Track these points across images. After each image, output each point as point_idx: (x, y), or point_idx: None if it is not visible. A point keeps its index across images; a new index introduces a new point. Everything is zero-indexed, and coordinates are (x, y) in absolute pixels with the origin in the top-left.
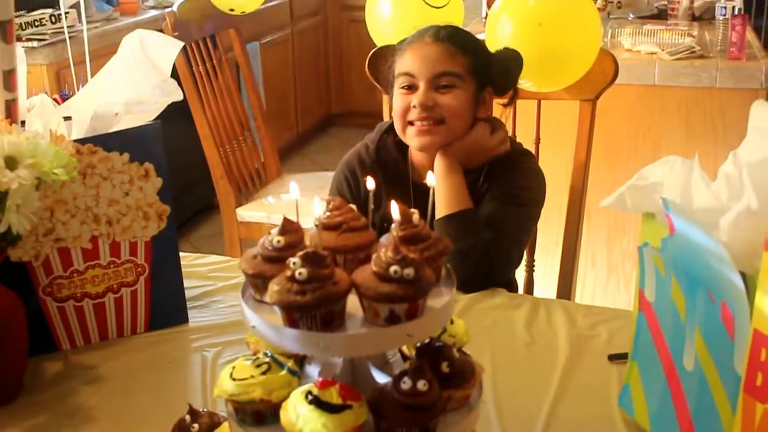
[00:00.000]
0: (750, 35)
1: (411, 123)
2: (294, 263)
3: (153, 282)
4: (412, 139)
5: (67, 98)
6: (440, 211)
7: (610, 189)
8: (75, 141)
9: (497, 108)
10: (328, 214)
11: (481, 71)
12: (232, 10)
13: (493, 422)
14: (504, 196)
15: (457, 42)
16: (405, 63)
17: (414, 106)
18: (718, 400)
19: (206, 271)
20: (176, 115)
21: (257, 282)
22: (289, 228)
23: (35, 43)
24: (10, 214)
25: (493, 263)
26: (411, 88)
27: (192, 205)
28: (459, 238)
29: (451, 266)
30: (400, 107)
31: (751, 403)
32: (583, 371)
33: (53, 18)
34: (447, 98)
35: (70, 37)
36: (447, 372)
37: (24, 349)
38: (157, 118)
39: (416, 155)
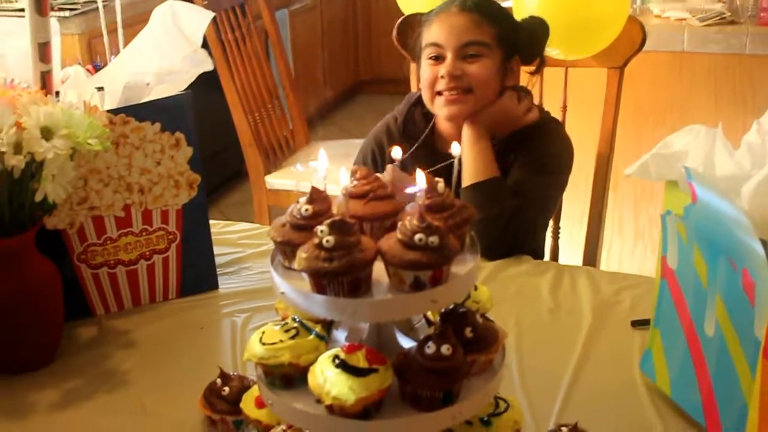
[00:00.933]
0: None
1: (439, 93)
2: (322, 231)
3: (184, 249)
4: (440, 108)
5: (100, 69)
6: (467, 179)
7: (636, 156)
8: (108, 111)
9: (524, 76)
10: (355, 182)
11: (508, 40)
12: None
13: (516, 386)
14: (531, 164)
15: (483, 11)
16: (432, 33)
17: (442, 77)
18: (738, 365)
19: (236, 239)
20: (204, 83)
21: (286, 249)
22: (317, 197)
23: (67, 13)
24: (46, 183)
25: (518, 231)
26: (438, 58)
27: (221, 172)
28: (485, 206)
29: (476, 233)
30: (428, 77)
31: None
32: (606, 337)
33: None
34: (474, 67)
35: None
36: (470, 337)
37: (60, 314)
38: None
39: (443, 126)
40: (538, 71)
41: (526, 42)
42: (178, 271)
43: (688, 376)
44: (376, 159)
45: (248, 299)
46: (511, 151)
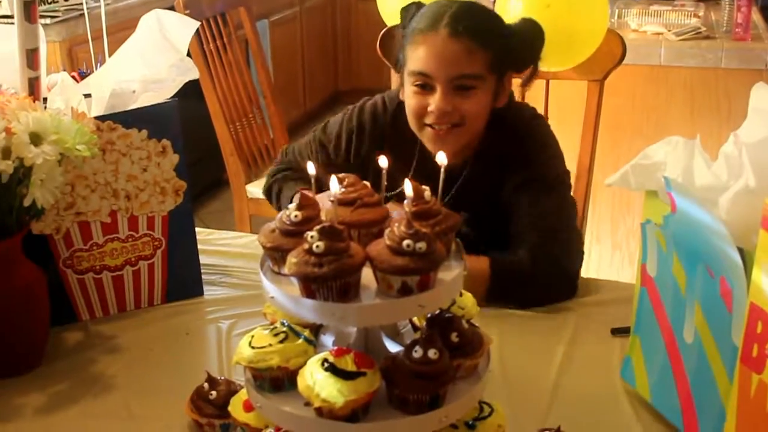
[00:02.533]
0: (756, 16)
1: (427, 125)
2: (312, 236)
3: (169, 255)
4: (428, 142)
5: (86, 76)
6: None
7: (615, 168)
8: (95, 118)
9: (515, 89)
10: (343, 190)
11: (502, 61)
12: None
13: (500, 391)
14: (532, 183)
15: (476, 36)
16: (419, 60)
17: (431, 111)
18: (716, 371)
19: (220, 246)
20: (183, 91)
21: (275, 255)
22: (306, 203)
23: (48, 20)
24: (35, 188)
25: (557, 262)
26: (426, 87)
27: (200, 181)
28: (508, 288)
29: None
30: (415, 107)
31: (747, 374)
32: (587, 344)
33: None
34: (467, 103)
35: (81, 15)
36: (456, 342)
37: (46, 319)
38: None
39: None
40: (530, 82)
41: (519, 52)
42: (163, 277)
43: (667, 381)
44: (351, 142)
45: (233, 305)
46: (497, 161)
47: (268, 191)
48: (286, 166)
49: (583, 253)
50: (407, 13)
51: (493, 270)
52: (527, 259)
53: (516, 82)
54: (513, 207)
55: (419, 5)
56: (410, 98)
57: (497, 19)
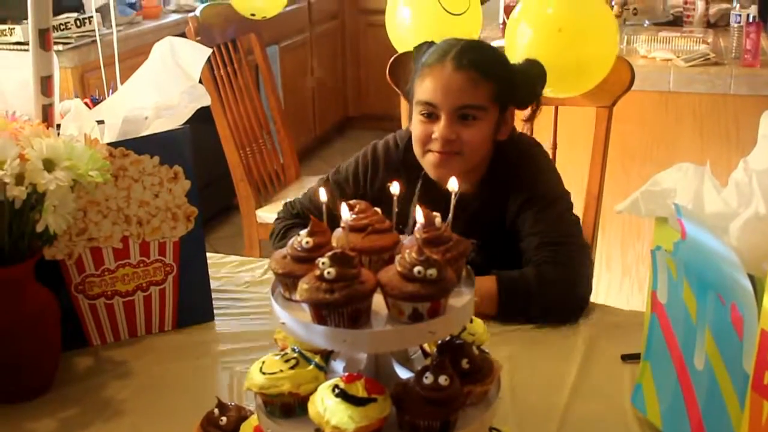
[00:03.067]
0: (764, 42)
1: (429, 151)
2: (323, 263)
3: (180, 281)
4: (429, 167)
5: (98, 102)
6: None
7: (624, 194)
8: (108, 144)
9: (518, 123)
10: (354, 216)
11: (504, 95)
12: (253, 14)
13: (509, 418)
14: (532, 202)
15: (480, 68)
16: (426, 90)
17: (435, 138)
18: (727, 398)
19: (231, 271)
20: (195, 117)
21: (287, 281)
22: (317, 230)
23: (60, 47)
24: (48, 214)
25: (565, 274)
26: (431, 116)
27: (210, 206)
28: (523, 299)
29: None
30: (420, 134)
31: (759, 401)
32: (598, 370)
33: (78, 22)
34: (469, 133)
35: (93, 41)
36: (467, 368)
37: (57, 344)
38: None
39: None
40: (533, 118)
41: (522, 89)
42: (174, 302)
43: (678, 409)
44: (367, 176)
45: (244, 331)
46: (501, 188)
47: (277, 239)
48: (294, 218)
49: (592, 264)
50: (419, 50)
51: (501, 287)
52: (533, 273)
53: (519, 116)
54: (518, 227)
55: (430, 44)
56: (416, 126)
57: (502, 56)
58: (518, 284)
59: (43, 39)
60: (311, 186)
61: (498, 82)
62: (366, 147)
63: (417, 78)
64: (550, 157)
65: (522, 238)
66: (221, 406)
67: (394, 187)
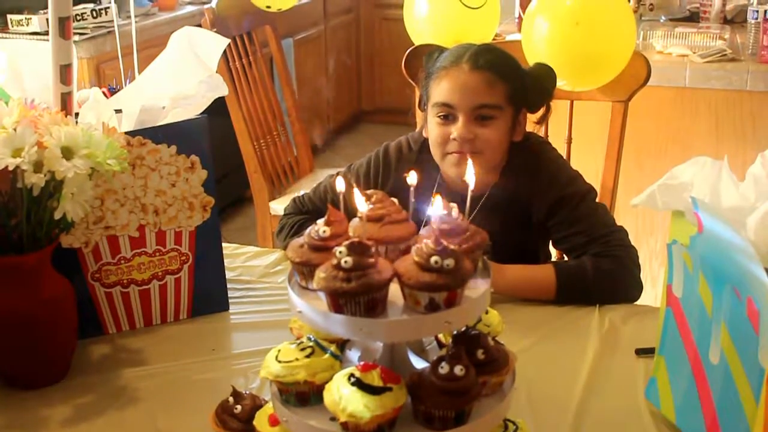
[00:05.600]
0: None
1: (448, 153)
2: (340, 252)
3: (196, 270)
4: (450, 168)
5: (115, 92)
6: (550, 294)
7: (639, 189)
8: (126, 133)
9: (530, 125)
10: (370, 206)
11: (518, 96)
12: (268, 7)
13: (524, 409)
14: (563, 203)
15: (495, 69)
16: (442, 92)
17: (453, 139)
18: (743, 392)
19: (246, 261)
20: (210, 109)
21: (304, 269)
22: (335, 219)
23: (76, 37)
24: (66, 201)
25: (622, 261)
26: (448, 117)
27: (224, 198)
28: (584, 287)
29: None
30: (438, 136)
31: None
32: (612, 364)
33: (94, 13)
34: (487, 132)
35: (109, 32)
36: (482, 359)
37: (73, 331)
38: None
39: (452, 174)
40: (544, 121)
41: (533, 92)
42: (189, 291)
43: (692, 403)
44: (378, 176)
45: (258, 319)
46: (520, 188)
47: (282, 233)
48: (303, 213)
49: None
50: (430, 57)
51: (559, 276)
52: (590, 263)
53: (531, 119)
54: (552, 229)
55: (442, 50)
56: (434, 129)
57: (514, 59)
58: (576, 274)
59: (63, 27)
60: (321, 181)
61: (512, 84)
62: (378, 148)
63: (432, 81)
64: (565, 151)
65: (562, 239)
66: (236, 394)
67: (411, 178)
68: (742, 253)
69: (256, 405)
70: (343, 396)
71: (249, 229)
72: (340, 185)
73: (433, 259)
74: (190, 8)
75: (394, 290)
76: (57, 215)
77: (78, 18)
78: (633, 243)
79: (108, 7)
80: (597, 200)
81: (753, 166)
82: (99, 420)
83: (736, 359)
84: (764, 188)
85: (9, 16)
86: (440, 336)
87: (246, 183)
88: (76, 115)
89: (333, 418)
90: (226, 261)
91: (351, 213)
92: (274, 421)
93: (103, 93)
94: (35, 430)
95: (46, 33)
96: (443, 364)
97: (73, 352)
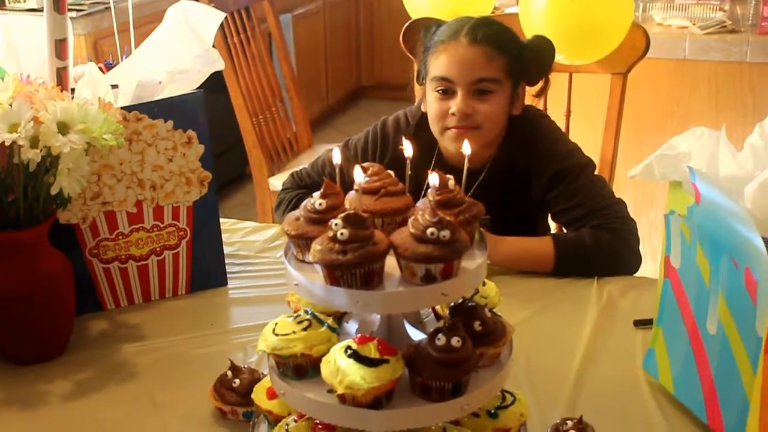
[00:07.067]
0: None
1: (447, 128)
2: (336, 224)
3: (194, 245)
4: (449, 143)
5: (112, 67)
6: (547, 266)
7: (638, 161)
8: (122, 108)
9: (529, 98)
10: (367, 179)
11: (517, 69)
12: None
13: (522, 381)
14: (561, 177)
15: (494, 43)
16: (441, 66)
17: (452, 113)
18: (740, 362)
19: (244, 236)
20: (208, 85)
21: (300, 242)
22: (330, 191)
23: (73, 14)
24: (62, 177)
25: (619, 233)
26: (447, 92)
27: (222, 175)
28: (583, 258)
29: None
30: (437, 111)
31: None
32: (610, 336)
33: None
34: (486, 106)
35: (106, 8)
36: (479, 330)
37: (72, 307)
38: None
39: (450, 148)
40: (542, 94)
41: (532, 65)
42: (188, 267)
43: (690, 373)
44: (376, 150)
45: (257, 294)
46: (519, 161)
47: (281, 207)
48: (301, 188)
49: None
50: (428, 30)
51: (557, 248)
52: (588, 235)
53: (530, 92)
54: (551, 202)
55: (440, 24)
56: (433, 103)
57: (512, 32)
58: (575, 246)
59: (58, 2)
60: (319, 155)
61: (510, 57)
62: (375, 123)
63: (430, 56)
64: (564, 124)
65: (561, 212)
66: (234, 368)
67: (407, 149)
68: (740, 222)
69: (255, 379)
70: (341, 368)
71: (249, 205)
72: (337, 157)
73: (429, 230)
74: None
75: (391, 262)
76: (53, 191)
77: None
78: (632, 215)
79: None
80: (596, 173)
81: (751, 136)
82: (98, 395)
83: (733, 329)
84: (762, 157)
85: None
86: (437, 308)
87: (245, 160)
88: (72, 90)
89: (330, 391)
90: (224, 236)
91: (348, 186)
92: (271, 395)
93: (100, 68)
94: (34, 405)
95: (42, 10)
96: (440, 335)
97: (72, 328)
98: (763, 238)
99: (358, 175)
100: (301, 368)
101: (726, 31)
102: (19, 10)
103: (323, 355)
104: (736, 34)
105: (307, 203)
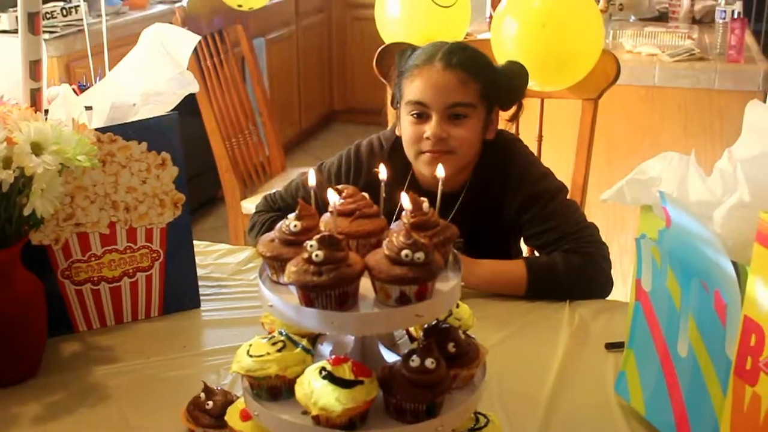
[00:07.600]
0: (749, 39)
1: (422, 152)
2: (311, 246)
3: (167, 267)
4: (424, 167)
5: (85, 89)
6: (519, 290)
7: (609, 186)
8: (96, 129)
9: (502, 123)
10: (341, 201)
11: (491, 94)
12: (240, 6)
13: (495, 403)
14: (534, 200)
15: (468, 68)
16: (416, 90)
17: (427, 138)
18: (710, 384)
19: (217, 258)
20: (180, 108)
21: (275, 264)
22: (306, 213)
23: (46, 36)
24: (35, 197)
25: (592, 257)
26: (422, 116)
27: (196, 197)
28: (554, 282)
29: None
30: (411, 135)
31: (741, 386)
32: (582, 359)
33: (64, 11)
34: (460, 130)
35: (79, 30)
36: (453, 352)
37: (43, 329)
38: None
39: (424, 172)
40: (515, 118)
41: (505, 90)
42: (161, 289)
43: (661, 396)
44: (350, 174)
45: (230, 316)
46: (489, 186)
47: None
48: (274, 211)
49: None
50: (403, 55)
51: (530, 271)
52: (561, 259)
53: (503, 116)
54: (524, 226)
55: (414, 48)
56: (407, 127)
57: (486, 57)
58: (547, 269)
59: (32, 23)
60: (293, 179)
61: (485, 82)
62: (349, 147)
63: (405, 80)
64: (536, 149)
65: (533, 236)
66: (207, 390)
67: (382, 173)
68: (709, 246)
69: (228, 400)
70: (315, 390)
71: (221, 228)
72: (312, 180)
73: (404, 252)
74: (161, 7)
75: (365, 284)
76: (26, 211)
77: (48, 16)
78: (603, 239)
79: (78, 6)
80: (568, 197)
81: (720, 161)
82: (70, 418)
83: (703, 351)
84: (730, 182)
85: None
86: (411, 330)
87: (218, 183)
88: (46, 111)
89: (305, 412)
90: (197, 259)
91: (322, 210)
92: (245, 416)
93: (73, 90)
94: (5, 427)
95: (16, 31)
96: (414, 357)
97: (43, 350)
98: (733, 262)
99: (333, 197)
100: (276, 390)
101: (695, 58)
102: None
103: (298, 376)
104: (704, 61)
105: (282, 225)
